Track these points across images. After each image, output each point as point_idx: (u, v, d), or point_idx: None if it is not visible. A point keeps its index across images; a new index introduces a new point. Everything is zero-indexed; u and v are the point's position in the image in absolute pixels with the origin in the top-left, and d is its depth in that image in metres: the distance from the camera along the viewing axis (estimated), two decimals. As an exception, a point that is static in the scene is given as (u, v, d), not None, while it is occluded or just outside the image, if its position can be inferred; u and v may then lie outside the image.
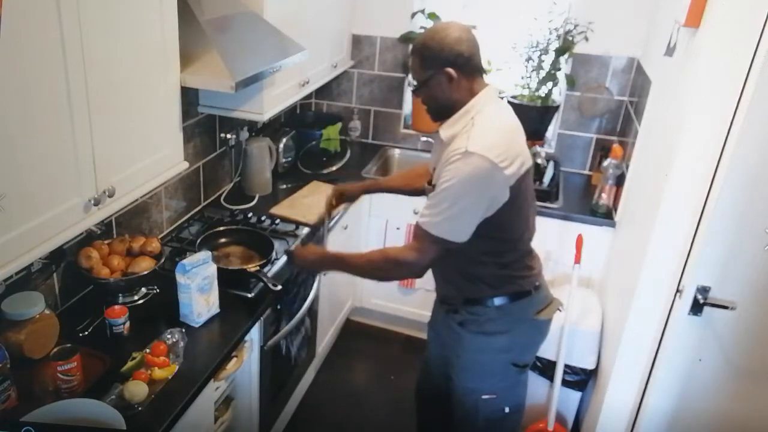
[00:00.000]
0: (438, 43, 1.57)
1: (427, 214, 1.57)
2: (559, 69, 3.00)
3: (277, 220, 2.48)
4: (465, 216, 1.55)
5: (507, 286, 1.73)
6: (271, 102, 2.31)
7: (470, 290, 1.74)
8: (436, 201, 1.55)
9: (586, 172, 3.17)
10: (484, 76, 1.65)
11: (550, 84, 3.04)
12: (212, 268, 1.82)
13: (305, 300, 2.37)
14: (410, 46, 1.55)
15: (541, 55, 2.97)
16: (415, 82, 1.64)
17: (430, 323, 2.03)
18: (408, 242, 1.67)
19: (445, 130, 1.62)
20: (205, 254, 1.83)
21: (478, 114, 1.58)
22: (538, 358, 2.51)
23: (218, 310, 1.86)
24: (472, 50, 1.60)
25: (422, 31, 3.08)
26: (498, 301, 1.72)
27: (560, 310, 1.87)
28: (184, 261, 1.78)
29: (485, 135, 1.53)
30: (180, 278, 1.76)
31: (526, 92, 3.09)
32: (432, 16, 3.10)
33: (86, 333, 1.73)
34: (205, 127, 2.42)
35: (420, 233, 1.59)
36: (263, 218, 2.48)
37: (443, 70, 1.57)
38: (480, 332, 1.76)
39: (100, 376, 1.56)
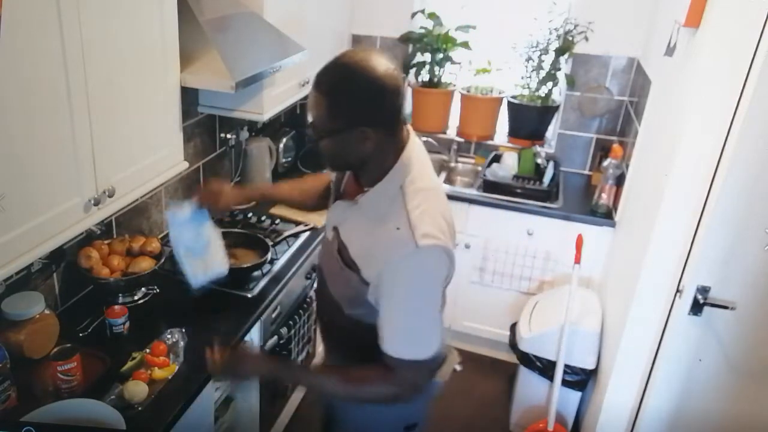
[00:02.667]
0: (353, 95, 1.18)
1: (393, 335, 1.23)
2: (559, 69, 3.00)
3: (277, 220, 2.48)
4: (434, 321, 1.26)
5: None
6: (271, 102, 2.31)
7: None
8: (398, 317, 1.23)
9: (586, 172, 3.17)
10: (404, 121, 1.29)
11: (550, 84, 3.04)
12: (205, 230, 1.60)
13: (305, 299, 2.37)
14: (315, 77, 1.22)
15: (541, 55, 2.97)
16: (314, 126, 1.22)
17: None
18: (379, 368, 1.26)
19: (368, 204, 1.26)
20: (193, 208, 1.58)
21: (408, 183, 1.23)
22: (538, 359, 2.51)
23: (224, 271, 1.66)
24: (398, 101, 1.22)
25: (422, 31, 3.10)
26: None
27: (456, 369, 1.54)
28: (171, 211, 1.58)
29: (427, 216, 1.20)
30: (174, 242, 1.59)
31: (526, 92, 3.09)
32: (432, 16, 3.10)
33: (86, 333, 1.73)
34: (205, 127, 2.42)
35: (392, 363, 1.23)
36: (263, 218, 2.48)
37: (357, 129, 1.18)
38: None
39: (100, 376, 1.56)
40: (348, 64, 1.20)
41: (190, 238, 1.58)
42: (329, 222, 1.38)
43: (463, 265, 2.84)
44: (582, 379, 2.49)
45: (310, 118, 1.23)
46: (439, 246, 1.19)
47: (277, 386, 1.46)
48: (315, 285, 1.68)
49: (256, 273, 2.08)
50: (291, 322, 2.23)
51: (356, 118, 1.18)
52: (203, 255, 1.61)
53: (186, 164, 1.87)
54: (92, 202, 1.45)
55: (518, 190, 2.86)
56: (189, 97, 2.20)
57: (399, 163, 1.24)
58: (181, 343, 1.69)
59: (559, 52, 2.94)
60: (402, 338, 1.23)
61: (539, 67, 3.00)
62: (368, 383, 1.27)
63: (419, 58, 3.18)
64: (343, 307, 1.34)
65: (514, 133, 3.20)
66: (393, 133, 1.24)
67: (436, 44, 3.05)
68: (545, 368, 2.51)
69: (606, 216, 2.71)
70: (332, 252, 1.33)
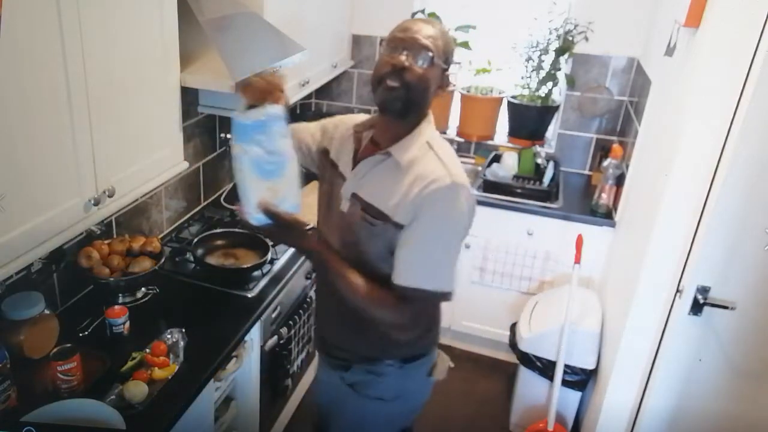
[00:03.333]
0: (451, 41, 1.39)
1: (416, 266, 1.29)
2: (559, 69, 3.00)
3: (277, 220, 2.48)
4: (455, 256, 1.33)
5: (412, 344, 1.48)
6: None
7: (367, 342, 1.47)
8: (425, 247, 1.28)
9: (586, 172, 3.17)
10: None
11: (550, 84, 3.04)
12: (283, 144, 1.25)
13: (305, 299, 2.37)
14: (422, 21, 1.35)
15: (541, 55, 2.97)
16: (427, 58, 1.29)
17: (317, 376, 1.74)
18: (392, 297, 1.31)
19: (400, 152, 1.32)
20: (275, 110, 1.27)
21: (432, 138, 1.35)
22: (538, 358, 2.51)
23: (297, 205, 1.28)
24: None
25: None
26: (399, 360, 1.48)
27: (450, 366, 1.60)
28: (239, 117, 1.24)
29: (456, 163, 1.32)
30: (234, 147, 1.23)
31: (526, 92, 3.09)
32: (432, 16, 3.09)
33: (86, 333, 1.73)
34: (205, 127, 2.42)
35: (407, 293, 1.29)
36: (263, 218, 2.48)
37: (446, 73, 1.36)
38: (376, 397, 1.51)
39: (100, 376, 1.56)
40: (434, 21, 1.43)
41: (263, 153, 1.23)
42: (345, 192, 1.39)
43: (463, 264, 2.84)
44: (582, 379, 2.49)
45: (422, 48, 1.29)
46: (470, 187, 1.32)
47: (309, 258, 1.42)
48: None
49: (256, 273, 2.08)
50: (291, 322, 2.23)
51: (449, 57, 1.36)
52: (275, 177, 1.25)
53: (186, 164, 1.87)
54: (92, 202, 1.45)
55: (518, 190, 2.86)
56: (189, 97, 2.20)
57: (426, 122, 1.37)
58: (181, 343, 1.69)
59: (559, 52, 2.94)
60: (425, 268, 1.29)
61: (539, 67, 3.00)
62: (384, 305, 1.32)
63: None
64: (380, 265, 1.35)
65: (514, 133, 3.21)
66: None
67: (436, 44, 3.05)
68: (545, 368, 2.51)
69: (606, 216, 2.71)
70: (354, 219, 1.36)
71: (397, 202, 1.29)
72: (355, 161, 1.41)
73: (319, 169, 1.56)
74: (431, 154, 1.31)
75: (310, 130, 1.60)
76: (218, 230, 2.28)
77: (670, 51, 2.16)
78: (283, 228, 1.25)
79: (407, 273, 1.29)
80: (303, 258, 2.26)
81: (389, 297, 1.30)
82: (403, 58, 1.28)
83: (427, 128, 1.36)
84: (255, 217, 1.23)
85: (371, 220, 1.33)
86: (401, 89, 1.28)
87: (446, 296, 1.31)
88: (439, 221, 1.28)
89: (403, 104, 1.30)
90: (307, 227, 1.31)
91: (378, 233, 1.33)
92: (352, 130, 1.46)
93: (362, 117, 1.51)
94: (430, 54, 1.29)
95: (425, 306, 1.36)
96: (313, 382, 2.75)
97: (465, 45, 3.08)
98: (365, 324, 1.37)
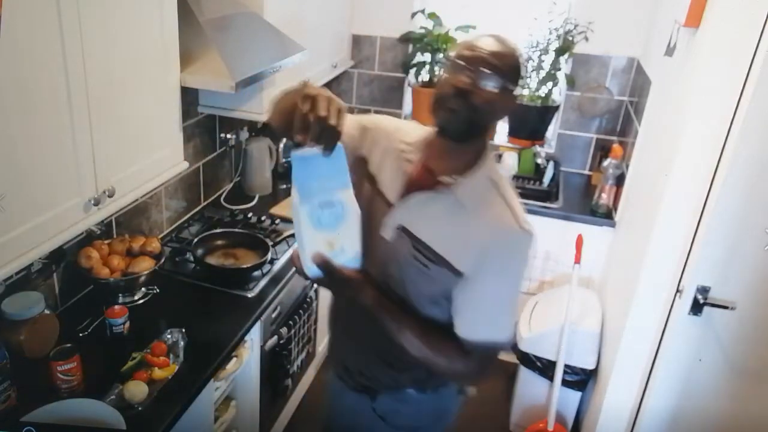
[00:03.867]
0: (522, 60, 1.23)
1: (485, 319, 1.21)
2: (559, 69, 3.00)
3: (277, 220, 2.48)
4: (516, 304, 1.27)
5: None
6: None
7: (397, 372, 1.36)
8: (493, 299, 1.21)
9: (586, 172, 3.17)
10: None
11: (550, 84, 3.04)
12: (345, 194, 1.10)
13: (305, 299, 2.37)
14: (491, 36, 1.19)
15: (541, 55, 2.97)
16: (495, 79, 1.15)
17: (332, 395, 1.58)
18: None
19: (464, 191, 1.19)
20: (338, 151, 1.06)
21: (495, 173, 1.24)
22: (538, 358, 2.51)
23: (357, 257, 1.13)
24: None
25: (422, 31, 3.10)
26: (430, 387, 1.39)
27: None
28: (300, 152, 1.04)
29: (519, 206, 1.23)
30: (292, 191, 1.08)
31: (526, 92, 3.09)
32: (432, 16, 3.10)
33: (86, 333, 1.73)
34: (205, 127, 2.42)
35: (471, 347, 1.21)
36: (263, 218, 2.48)
37: (514, 96, 1.22)
38: (410, 427, 1.43)
39: (100, 376, 1.56)
40: (504, 39, 1.21)
41: (320, 202, 1.08)
42: (390, 221, 1.24)
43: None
44: (582, 379, 2.49)
45: (490, 69, 1.14)
46: (534, 235, 1.21)
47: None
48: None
49: (256, 273, 2.08)
50: (291, 322, 2.23)
51: (517, 78, 1.21)
52: (334, 229, 1.10)
53: (186, 164, 1.87)
54: (92, 202, 1.45)
55: (518, 190, 2.82)
56: (189, 97, 2.20)
57: (487, 152, 1.24)
58: (181, 343, 1.69)
59: (559, 52, 2.94)
60: (493, 321, 1.22)
61: (539, 67, 3.00)
62: (445, 355, 1.22)
63: (419, 58, 3.18)
64: (422, 307, 1.25)
65: (514, 133, 3.20)
66: None
67: (436, 44, 3.05)
68: (545, 368, 2.51)
69: (606, 216, 2.71)
70: (402, 255, 1.22)
71: (460, 248, 1.18)
72: (405, 188, 1.24)
73: (353, 173, 1.31)
74: (497, 195, 1.21)
75: (347, 125, 1.34)
76: (218, 230, 2.28)
77: (670, 51, 2.16)
78: (338, 282, 1.13)
79: (475, 327, 1.21)
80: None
81: (456, 350, 1.22)
82: (467, 79, 1.14)
83: (489, 161, 1.24)
84: (310, 269, 1.11)
85: (425, 262, 1.20)
86: (465, 111, 1.15)
87: (505, 345, 1.25)
88: (508, 273, 1.21)
89: (466, 128, 1.17)
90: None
91: (432, 276, 1.21)
92: (400, 146, 1.28)
93: (412, 129, 1.33)
94: (499, 75, 1.15)
95: (492, 355, 1.25)
96: (316, 390, 2.75)
97: (465, 45, 3.08)
98: (400, 357, 1.25)
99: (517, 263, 1.22)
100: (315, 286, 2.47)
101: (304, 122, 1.00)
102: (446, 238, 1.20)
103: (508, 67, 1.17)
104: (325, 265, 1.08)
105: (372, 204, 1.28)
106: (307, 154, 1.03)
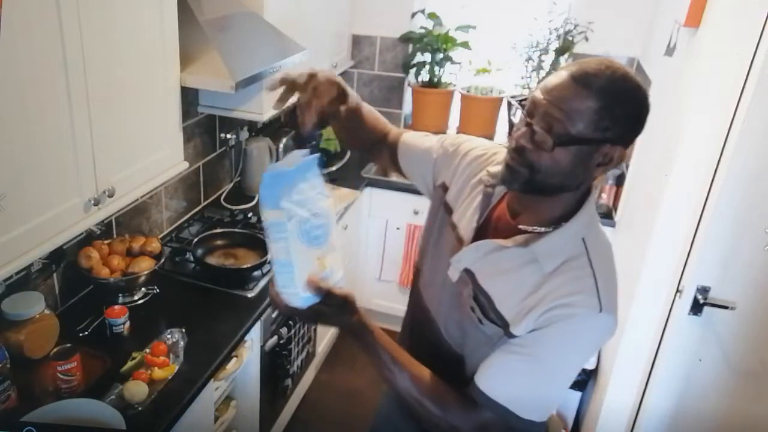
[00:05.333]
0: (630, 108, 0.95)
1: (509, 383, 1.00)
2: (559, 69, 3.00)
3: (277, 220, 2.47)
4: (562, 389, 1.06)
5: None
6: (271, 102, 2.30)
7: None
8: (533, 370, 0.99)
9: (586, 172, 3.17)
10: None
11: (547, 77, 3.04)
12: (327, 203, 0.97)
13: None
14: (578, 70, 0.94)
15: (541, 55, 2.97)
16: (564, 134, 0.93)
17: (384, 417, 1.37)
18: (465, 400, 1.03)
19: (546, 253, 1.00)
20: (311, 160, 0.95)
21: (590, 233, 1.03)
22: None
23: (342, 278, 1.00)
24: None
25: (422, 31, 3.10)
26: None
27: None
28: (279, 167, 0.91)
29: (611, 283, 1.01)
30: (269, 214, 0.90)
31: (526, 92, 3.09)
32: (432, 16, 3.10)
33: (86, 333, 1.73)
34: (205, 127, 2.42)
35: (491, 407, 1.00)
36: (263, 218, 2.48)
37: (607, 146, 0.95)
38: None
39: (100, 376, 1.56)
40: (627, 74, 0.95)
41: (309, 214, 0.92)
42: (456, 261, 1.09)
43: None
44: (582, 379, 2.49)
45: (553, 117, 0.93)
46: (615, 320, 0.99)
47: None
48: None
49: (256, 273, 2.08)
50: (291, 322, 2.23)
51: (615, 135, 0.94)
52: (323, 244, 0.95)
53: (186, 164, 1.87)
54: (92, 202, 1.45)
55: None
56: (189, 97, 2.20)
57: (588, 204, 1.04)
58: (181, 343, 1.69)
59: (559, 52, 2.94)
60: (517, 386, 1.00)
61: (539, 67, 3.00)
62: (441, 403, 1.03)
63: (419, 58, 3.18)
64: (467, 362, 1.10)
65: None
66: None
67: (436, 44, 3.06)
68: (545, 368, 2.51)
69: (606, 216, 2.71)
70: (460, 298, 1.09)
71: (524, 312, 1.00)
72: (481, 227, 1.10)
73: (430, 197, 1.26)
74: (584, 261, 0.99)
75: (426, 143, 1.28)
76: (218, 230, 2.28)
77: (670, 51, 2.16)
78: (334, 307, 0.96)
79: (498, 384, 1.00)
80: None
81: (457, 401, 1.02)
82: (527, 131, 0.95)
83: (586, 214, 1.03)
84: (302, 297, 0.92)
85: (481, 318, 1.04)
86: (523, 171, 0.97)
87: (528, 424, 1.00)
88: (561, 353, 0.99)
89: (525, 187, 1.00)
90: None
91: (485, 333, 1.05)
92: (485, 176, 1.12)
93: (500, 153, 1.15)
94: (568, 127, 0.92)
95: (495, 424, 1.01)
96: (316, 390, 2.75)
97: (465, 45, 3.08)
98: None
99: (575, 347, 0.99)
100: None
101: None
102: (510, 295, 1.02)
103: (585, 114, 0.92)
104: (322, 288, 0.91)
105: (443, 237, 1.16)
106: (279, 169, 0.90)
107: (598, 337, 1.02)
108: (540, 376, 1.00)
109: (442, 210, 1.19)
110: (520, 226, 1.04)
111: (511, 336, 1.01)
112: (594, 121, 0.92)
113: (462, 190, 1.16)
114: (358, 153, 1.26)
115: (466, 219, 1.12)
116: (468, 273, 1.07)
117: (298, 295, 0.93)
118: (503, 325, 1.02)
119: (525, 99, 1.03)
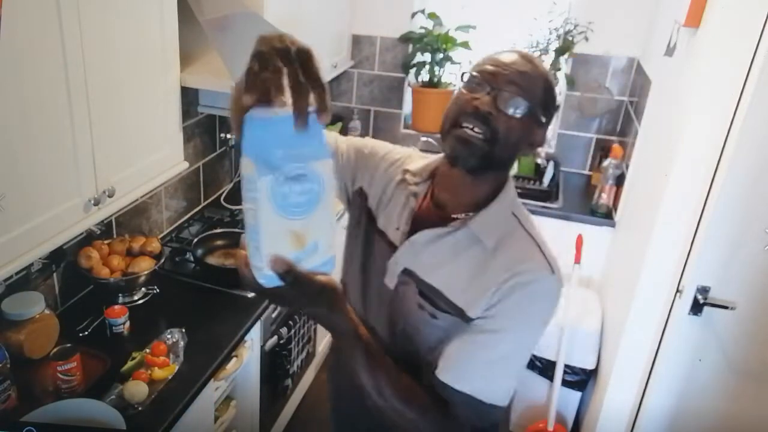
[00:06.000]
0: (553, 82, 1.05)
1: (475, 368, 0.96)
2: (559, 69, 3.00)
3: (277, 220, 2.48)
4: (525, 362, 1.04)
5: None
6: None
7: None
8: (495, 347, 0.96)
9: (586, 172, 3.17)
10: None
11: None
12: (322, 166, 0.73)
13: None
14: (520, 54, 1.02)
15: (541, 55, 2.97)
16: (523, 104, 0.97)
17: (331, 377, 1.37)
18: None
19: (484, 228, 1.00)
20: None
21: (517, 207, 1.06)
22: (538, 359, 2.51)
23: (332, 261, 0.77)
24: None
25: (422, 31, 3.10)
26: None
27: None
28: (255, 113, 0.71)
29: (549, 248, 1.02)
30: (243, 162, 0.71)
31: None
32: (432, 16, 3.10)
33: (86, 333, 1.73)
34: (205, 127, 2.42)
35: (455, 398, 0.96)
36: (263, 218, 2.48)
37: (542, 117, 1.01)
38: None
39: (100, 376, 1.56)
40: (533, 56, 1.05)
41: (288, 175, 0.70)
42: (393, 266, 1.05)
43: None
44: (582, 379, 2.49)
45: (519, 90, 0.96)
46: (561, 280, 1.00)
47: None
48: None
49: (256, 273, 2.08)
50: (291, 322, 2.23)
51: (548, 118, 1.03)
52: (305, 214, 0.72)
53: (186, 164, 1.87)
54: (92, 202, 1.45)
55: (518, 190, 2.83)
56: (189, 97, 2.20)
57: (508, 183, 1.06)
58: (181, 343, 1.69)
59: (559, 52, 2.94)
60: (485, 373, 0.96)
61: (539, 67, 3.00)
62: (418, 407, 0.96)
63: (419, 58, 3.18)
64: (425, 357, 1.03)
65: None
66: None
67: (436, 44, 3.05)
68: (545, 368, 2.51)
69: (606, 216, 2.71)
70: (407, 304, 1.03)
71: (474, 291, 0.97)
72: (411, 226, 1.06)
73: (348, 206, 1.20)
74: (522, 231, 1.02)
75: (339, 145, 1.19)
76: (218, 230, 2.29)
77: (670, 51, 2.16)
78: (307, 296, 0.76)
79: (465, 375, 0.96)
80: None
81: (434, 403, 0.96)
82: (489, 98, 0.96)
83: (510, 191, 1.06)
84: (265, 275, 0.73)
85: (432, 311, 1.00)
86: (483, 140, 0.96)
87: (497, 411, 0.97)
88: (524, 322, 0.97)
89: (481, 160, 0.97)
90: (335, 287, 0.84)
91: (441, 327, 1.01)
92: (401, 176, 1.10)
93: (417, 156, 1.15)
94: (527, 99, 0.97)
95: (467, 417, 0.97)
96: (316, 390, 2.75)
97: (465, 45, 3.08)
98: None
99: (538, 312, 0.98)
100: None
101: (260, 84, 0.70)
102: (458, 281, 0.99)
103: (538, 91, 0.98)
104: (289, 271, 0.71)
105: (371, 246, 1.10)
106: (269, 114, 0.70)
107: (554, 299, 1.00)
108: (505, 352, 0.97)
109: (365, 218, 1.13)
110: (453, 215, 1.03)
111: (468, 320, 0.98)
112: (543, 100, 0.99)
113: (383, 195, 1.12)
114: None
115: (393, 223, 1.08)
116: (407, 273, 1.04)
117: (261, 271, 0.74)
118: (458, 312, 0.99)
119: (465, 73, 1.04)
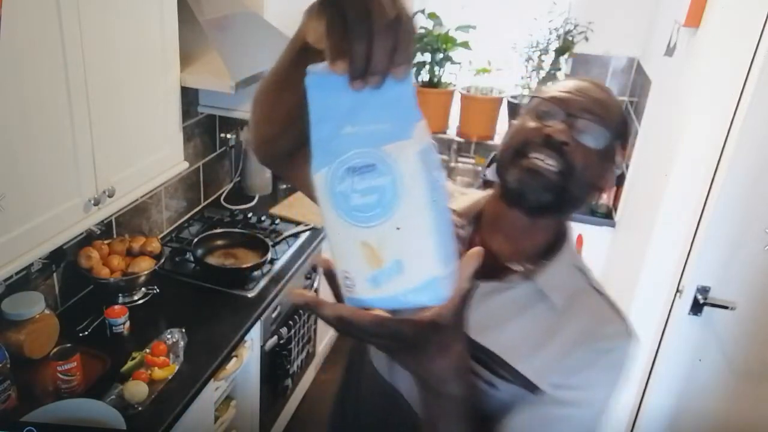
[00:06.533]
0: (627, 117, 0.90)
1: None
2: (559, 69, 3.00)
3: (277, 220, 2.48)
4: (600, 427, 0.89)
5: None
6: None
7: None
8: (576, 417, 0.82)
9: (586, 172, 3.16)
10: None
11: (550, 84, 3.04)
12: (405, 149, 0.50)
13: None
14: (588, 82, 0.86)
15: (541, 55, 2.97)
16: (603, 135, 0.81)
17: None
18: None
19: (552, 285, 0.85)
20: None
21: (577, 258, 0.92)
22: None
23: (433, 285, 0.51)
24: None
25: (422, 31, 3.10)
26: None
27: None
28: (317, 73, 0.49)
29: (617, 304, 0.90)
30: (317, 169, 0.51)
31: (526, 92, 3.09)
32: (432, 16, 3.10)
33: (86, 333, 1.73)
34: (205, 127, 2.42)
35: None
36: (263, 218, 2.48)
37: (615, 152, 0.85)
38: None
39: (100, 376, 1.56)
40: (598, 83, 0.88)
41: (356, 155, 0.50)
42: None
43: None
44: (582, 379, 2.48)
45: (598, 120, 0.81)
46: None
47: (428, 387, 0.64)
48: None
49: (256, 273, 2.08)
50: (291, 322, 2.23)
51: (626, 142, 0.87)
52: (381, 216, 0.50)
53: (186, 164, 1.87)
54: (92, 202, 1.45)
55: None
56: (189, 97, 2.20)
57: (569, 231, 0.92)
58: (181, 343, 1.69)
59: (559, 52, 2.94)
60: None
61: (539, 67, 3.00)
62: None
63: (419, 58, 3.18)
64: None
65: (514, 132, 3.20)
66: None
67: (436, 44, 3.05)
68: (545, 368, 2.51)
69: (606, 216, 2.71)
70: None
71: (549, 362, 0.82)
72: None
73: None
74: (591, 290, 0.88)
75: None
76: (218, 230, 2.28)
77: (670, 51, 2.16)
78: (380, 338, 0.56)
79: None
80: (303, 260, 2.28)
81: None
82: (564, 127, 0.80)
83: (572, 242, 0.92)
84: (349, 297, 0.57)
85: (491, 380, 0.82)
86: (556, 173, 0.79)
87: None
88: (607, 392, 0.84)
89: (553, 197, 0.81)
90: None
91: (500, 398, 0.83)
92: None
93: (451, 189, 0.95)
94: (608, 129, 0.81)
95: None
96: (316, 390, 2.75)
97: (465, 45, 3.08)
98: None
99: (619, 378, 0.85)
100: (313, 284, 2.47)
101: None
102: (522, 345, 0.83)
103: (617, 121, 0.83)
104: (309, 304, 0.57)
105: None
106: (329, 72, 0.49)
107: (631, 362, 0.88)
108: (587, 425, 0.84)
109: None
110: (509, 264, 0.85)
111: (537, 392, 0.82)
112: (622, 133, 0.84)
113: None
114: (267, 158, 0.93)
115: None
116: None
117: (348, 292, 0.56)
118: (523, 383, 0.82)
119: (536, 97, 0.87)
